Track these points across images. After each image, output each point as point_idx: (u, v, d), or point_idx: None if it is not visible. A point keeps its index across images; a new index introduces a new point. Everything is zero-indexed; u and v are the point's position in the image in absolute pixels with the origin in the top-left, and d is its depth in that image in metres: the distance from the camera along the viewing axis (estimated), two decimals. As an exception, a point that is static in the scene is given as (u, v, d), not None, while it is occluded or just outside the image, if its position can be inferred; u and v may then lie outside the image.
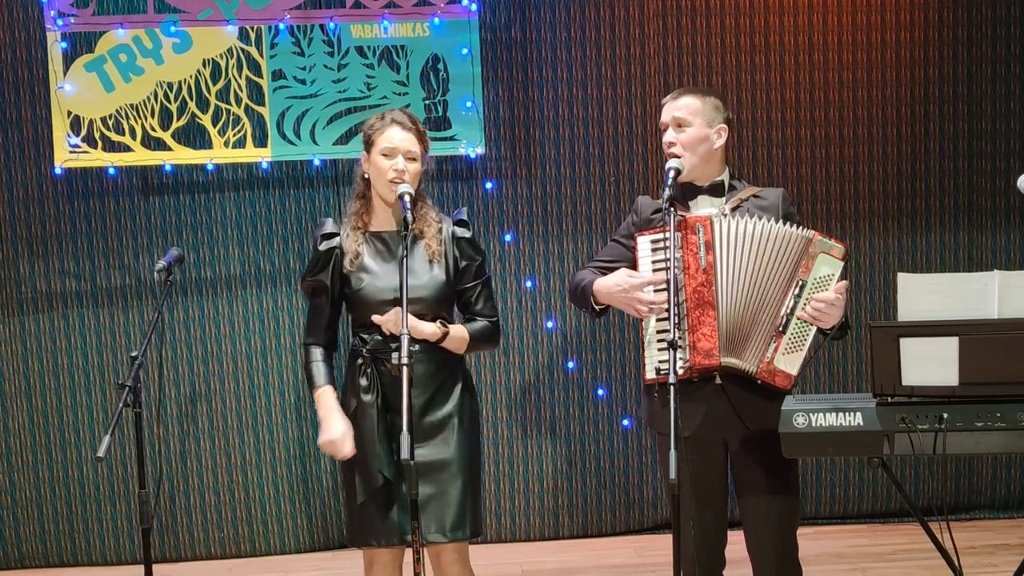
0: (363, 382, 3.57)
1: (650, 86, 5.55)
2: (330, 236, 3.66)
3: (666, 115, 3.63)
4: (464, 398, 3.62)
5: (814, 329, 3.43)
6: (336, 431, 3.53)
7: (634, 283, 3.47)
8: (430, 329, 3.52)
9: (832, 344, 5.63)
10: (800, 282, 3.42)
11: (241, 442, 5.54)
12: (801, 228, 3.46)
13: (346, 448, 3.53)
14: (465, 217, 3.67)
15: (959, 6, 5.59)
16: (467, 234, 3.64)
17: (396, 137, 3.55)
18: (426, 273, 3.57)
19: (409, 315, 3.39)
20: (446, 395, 3.59)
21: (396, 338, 3.42)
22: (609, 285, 3.54)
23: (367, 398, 3.55)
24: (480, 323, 3.64)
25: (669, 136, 3.60)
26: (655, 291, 3.46)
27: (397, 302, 3.46)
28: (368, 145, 3.60)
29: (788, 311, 3.42)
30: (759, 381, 3.43)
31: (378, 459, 3.51)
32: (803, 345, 3.42)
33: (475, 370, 5.44)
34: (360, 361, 3.59)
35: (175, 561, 5.55)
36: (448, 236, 3.62)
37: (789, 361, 3.42)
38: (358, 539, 3.61)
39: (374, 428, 3.53)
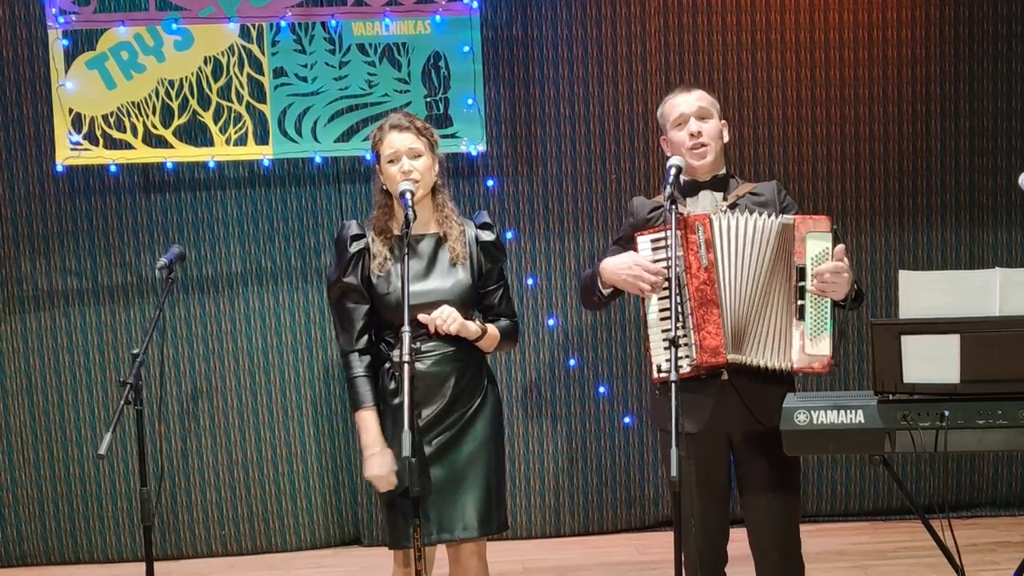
0: (391, 386, 3.57)
1: (651, 83, 5.55)
2: (358, 237, 3.65)
3: (688, 106, 3.59)
4: (490, 396, 3.65)
5: (830, 305, 3.41)
6: (378, 468, 3.51)
7: (641, 262, 3.46)
8: (474, 327, 3.58)
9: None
10: (799, 267, 3.41)
11: (242, 439, 5.55)
12: (780, 216, 3.45)
13: (382, 486, 3.52)
14: (487, 220, 3.70)
15: (960, 3, 5.59)
16: (491, 237, 3.66)
17: (395, 140, 3.59)
18: (452, 276, 3.59)
19: (459, 314, 3.52)
20: (472, 393, 3.60)
21: (429, 337, 3.51)
22: (616, 262, 3.52)
23: (395, 402, 3.53)
24: (505, 322, 3.71)
25: (694, 126, 3.56)
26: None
27: (422, 305, 3.50)
28: (377, 157, 3.63)
29: (798, 298, 3.42)
30: (800, 375, 3.44)
31: (411, 464, 3.50)
32: (825, 324, 3.40)
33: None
34: (388, 365, 3.58)
35: (176, 559, 5.55)
36: (472, 239, 3.65)
37: (819, 345, 3.40)
38: (391, 540, 3.59)
39: (406, 431, 3.53)
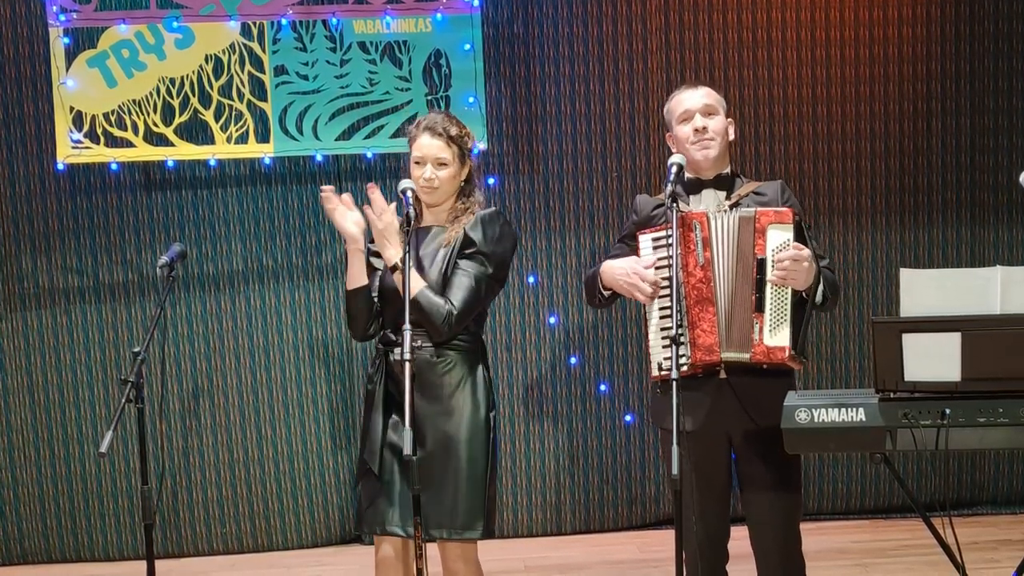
0: (370, 370, 3.67)
1: (652, 82, 5.55)
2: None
3: (694, 102, 3.60)
4: (466, 398, 3.59)
5: (789, 296, 3.39)
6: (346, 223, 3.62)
7: (639, 270, 3.48)
8: (388, 252, 3.52)
9: (833, 340, 5.64)
10: (760, 259, 3.41)
11: (243, 438, 5.55)
12: (739, 209, 3.46)
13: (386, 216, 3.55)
14: (481, 213, 3.63)
15: (960, 1, 5.58)
16: (469, 224, 3.60)
17: (424, 144, 3.61)
18: (432, 269, 3.59)
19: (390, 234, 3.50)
20: (451, 396, 3.57)
21: (398, 329, 3.44)
22: (615, 267, 3.55)
23: (370, 387, 3.64)
24: (437, 297, 3.52)
25: (699, 122, 3.57)
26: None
27: (394, 291, 3.55)
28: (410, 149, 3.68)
29: (757, 290, 3.41)
30: (764, 365, 3.41)
31: (371, 450, 3.57)
32: (785, 316, 3.39)
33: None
34: (373, 352, 3.68)
35: (177, 557, 5.55)
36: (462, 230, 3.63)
37: (778, 336, 3.39)
38: (362, 526, 3.66)
39: (373, 418, 3.59)
